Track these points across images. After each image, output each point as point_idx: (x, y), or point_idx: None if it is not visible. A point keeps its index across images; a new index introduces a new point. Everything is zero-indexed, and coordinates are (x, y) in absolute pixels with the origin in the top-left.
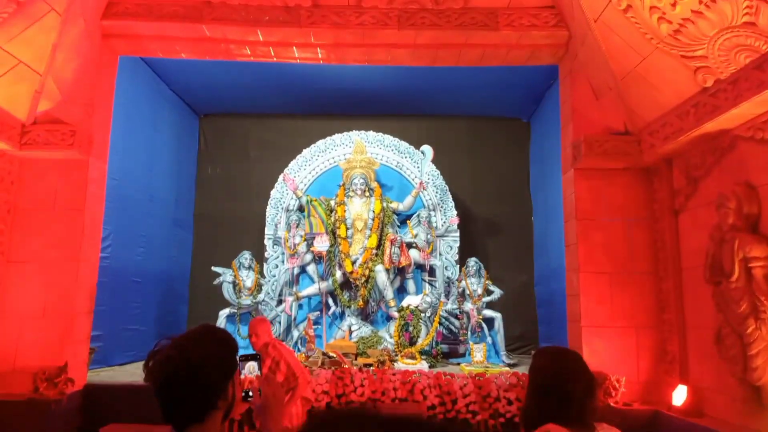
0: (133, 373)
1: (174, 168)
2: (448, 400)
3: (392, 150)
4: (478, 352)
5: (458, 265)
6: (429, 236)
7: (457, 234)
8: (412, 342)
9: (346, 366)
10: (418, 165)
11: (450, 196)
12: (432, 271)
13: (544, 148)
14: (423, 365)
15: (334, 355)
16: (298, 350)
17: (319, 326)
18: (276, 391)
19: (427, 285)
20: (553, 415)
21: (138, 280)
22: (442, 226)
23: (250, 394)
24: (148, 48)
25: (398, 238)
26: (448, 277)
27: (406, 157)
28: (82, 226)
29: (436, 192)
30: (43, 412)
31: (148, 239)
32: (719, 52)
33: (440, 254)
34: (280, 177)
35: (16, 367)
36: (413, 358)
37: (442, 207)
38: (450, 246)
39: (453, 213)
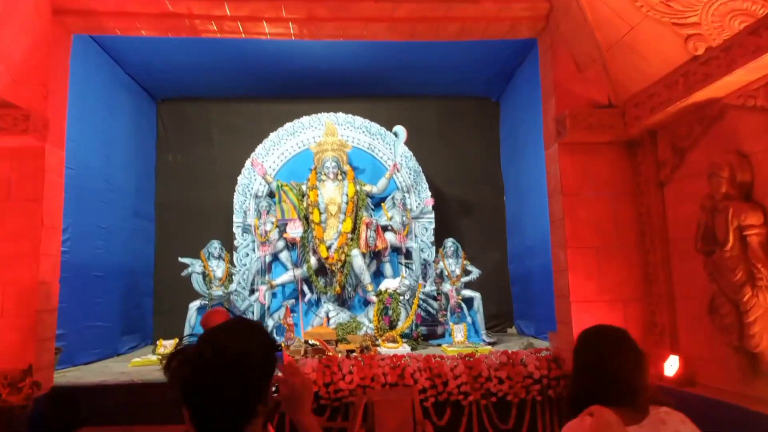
0: (100, 372)
1: (132, 156)
2: (439, 383)
3: (363, 132)
4: (459, 333)
5: (434, 247)
6: (404, 218)
7: (433, 215)
8: (392, 326)
9: (330, 353)
10: (390, 147)
11: (424, 177)
12: (408, 254)
13: (515, 127)
14: (405, 348)
15: (317, 343)
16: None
17: (295, 314)
18: (304, 380)
19: (403, 268)
20: (598, 395)
21: (100, 274)
22: (417, 207)
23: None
24: (105, 25)
25: (374, 222)
26: (424, 259)
27: (377, 139)
28: (40, 218)
29: (410, 174)
30: (8, 419)
31: (109, 231)
32: (713, 18)
33: (416, 236)
34: (248, 162)
35: None
36: (394, 341)
37: (416, 188)
38: (425, 228)
39: (427, 194)
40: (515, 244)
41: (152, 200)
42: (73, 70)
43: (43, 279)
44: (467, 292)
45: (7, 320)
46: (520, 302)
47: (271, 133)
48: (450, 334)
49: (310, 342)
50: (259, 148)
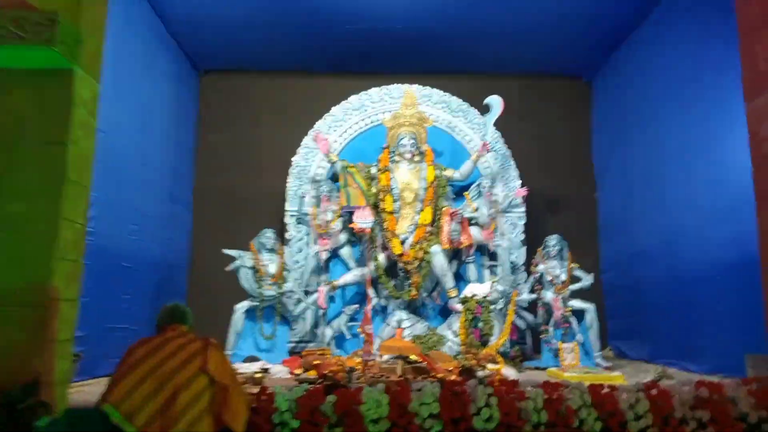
0: None
1: (171, 131)
2: (613, 424)
3: (442, 108)
4: (569, 354)
5: (524, 247)
6: (492, 211)
7: (523, 210)
8: (484, 341)
9: (441, 375)
10: (474, 127)
11: (513, 163)
12: (493, 255)
13: (615, 111)
14: (510, 371)
15: (418, 360)
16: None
17: (357, 323)
18: None
19: (487, 271)
20: None
21: (129, 265)
22: (505, 199)
23: None
24: None
25: (459, 213)
26: (512, 262)
27: (459, 117)
28: (64, 169)
29: (496, 158)
30: None
31: (143, 215)
32: None
33: (502, 234)
34: (305, 141)
35: None
36: (494, 361)
37: (503, 177)
38: (514, 224)
39: (517, 184)
40: (613, 249)
41: (190, 184)
42: (110, 19)
43: (64, 254)
44: (577, 303)
45: (8, 310)
46: (618, 318)
47: (333, 108)
48: (556, 355)
49: (410, 359)
50: (320, 124)
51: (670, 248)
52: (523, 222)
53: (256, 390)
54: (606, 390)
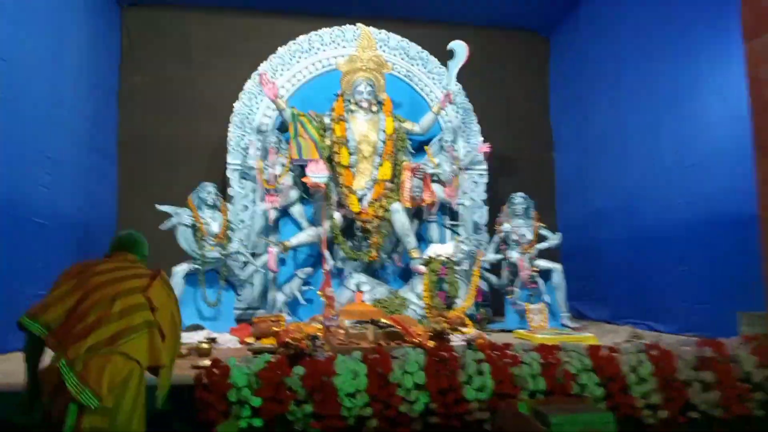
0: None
1: (89, 69)
2: (614, 390)
3: (400, 54)
4: (537, 315)
5: (486, 206)
6: (454, 168)
7: (485, 167)
8: (449, 303)
9: (417, 340)
10: (433, 76)
11: (475, 118)
12: (454, 214)
13: (575, 68)
14: (480, 335)
15: (392, 324)
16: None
17: (312, 287)
18: None
19: (447, 231)
20: None
21: (43, 222)
22: (465, 156)
23: None
24: None
25: (421, 168)
26: (474, 221)
27: (417, 65)
28: None
29: (458, 112)
30: None
31: (57, 165)
32: None
33: (464, 192)
34: (247, 85)
35: None
36: (464, 324)
37: (464, 132)
38: (475, 182)
39: (478, 139)
40: (571, 210)
41: (114, 131)
42: None
43: None
44: (543, 263)
45: None
46: (575, 280)
47: (279, 48)
48: (522, 316)
49: (381, 323)
50: (264, 66)
51: (631, 208)
52: (485, 180)
53: (204, 363)
54: (603, 352)
